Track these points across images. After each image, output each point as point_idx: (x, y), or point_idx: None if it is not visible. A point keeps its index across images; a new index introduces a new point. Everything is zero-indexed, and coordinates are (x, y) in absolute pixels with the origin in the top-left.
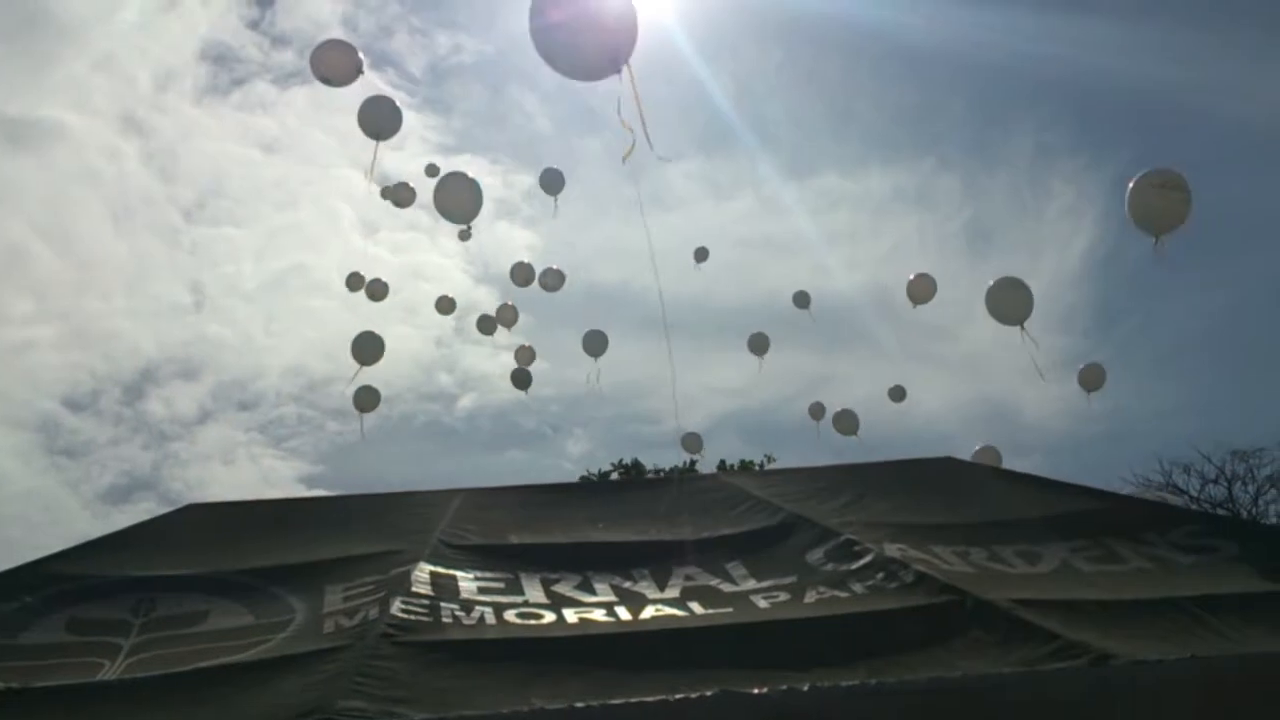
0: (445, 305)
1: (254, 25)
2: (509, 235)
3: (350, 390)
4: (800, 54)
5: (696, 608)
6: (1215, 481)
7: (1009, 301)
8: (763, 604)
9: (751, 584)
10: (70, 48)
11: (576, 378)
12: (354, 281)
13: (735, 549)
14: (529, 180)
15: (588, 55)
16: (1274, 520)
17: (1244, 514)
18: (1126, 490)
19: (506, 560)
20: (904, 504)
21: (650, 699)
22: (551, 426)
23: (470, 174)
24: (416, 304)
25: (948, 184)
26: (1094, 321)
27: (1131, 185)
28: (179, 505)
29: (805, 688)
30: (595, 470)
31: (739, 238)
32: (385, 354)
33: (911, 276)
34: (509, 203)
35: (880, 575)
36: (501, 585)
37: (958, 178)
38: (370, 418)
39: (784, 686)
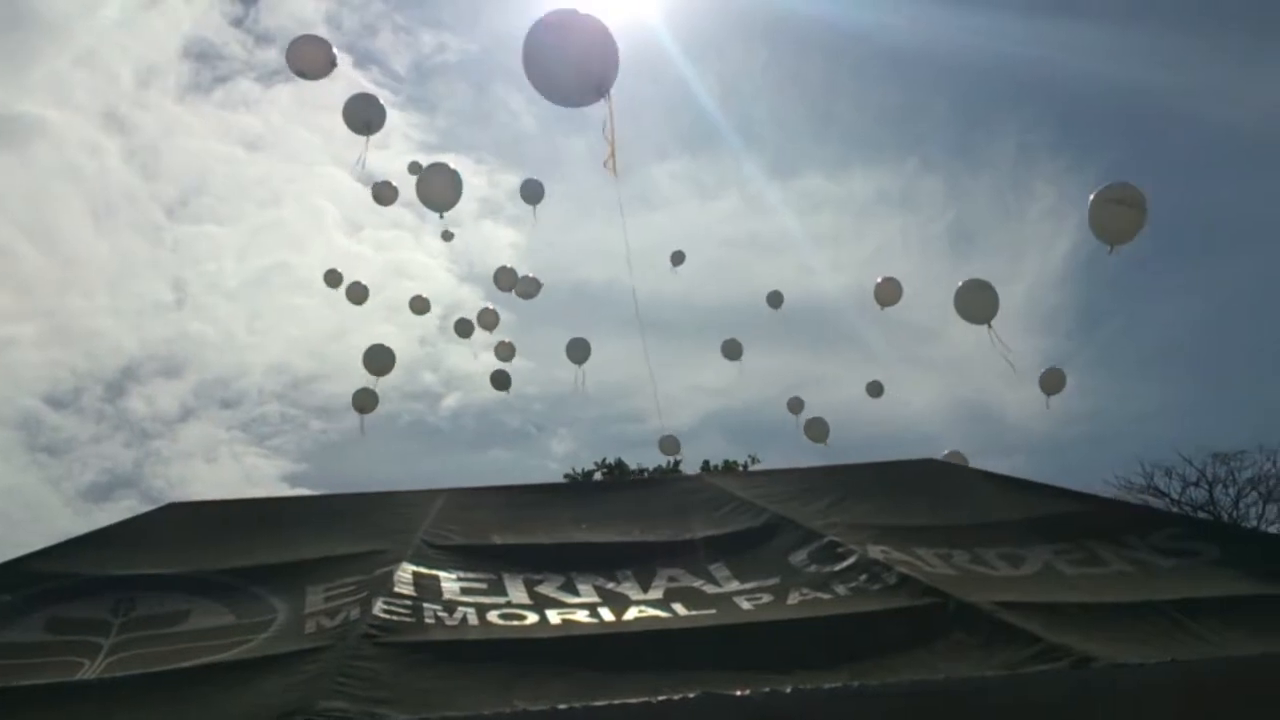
0: (420, 305)
1: (237, 23)
2: (494, 234)
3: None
4: (785, 55)
5: (680, 609)
6: (1196, 484)
7: (976, 302)
8: (746, 605)
9: (735, 585)
10: (52, 44)
11: (561, 377)
12: (332, 278)
13: (719, 550)
14: (514, 179)
15: (575, 86)
16: (1255, 523)
17: (1225, 517)
18: (1108, 493)
19: (490, 561)
20: (887, 506)
21: (633, 701)
22: (536, 426)
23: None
24: (400, 303)
25: (930, 186)
26: (1076, 323)
27: (1092, 197)
28: (161, 503)
29: (788, 690)
30: (579, 470)
31: (724, 238)
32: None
33: (879, 279)
34: (493, 202)
35: (863, 577)
36: (484, 586)
37: (940, 179)
38: (355, 417)
39: (767, 688)
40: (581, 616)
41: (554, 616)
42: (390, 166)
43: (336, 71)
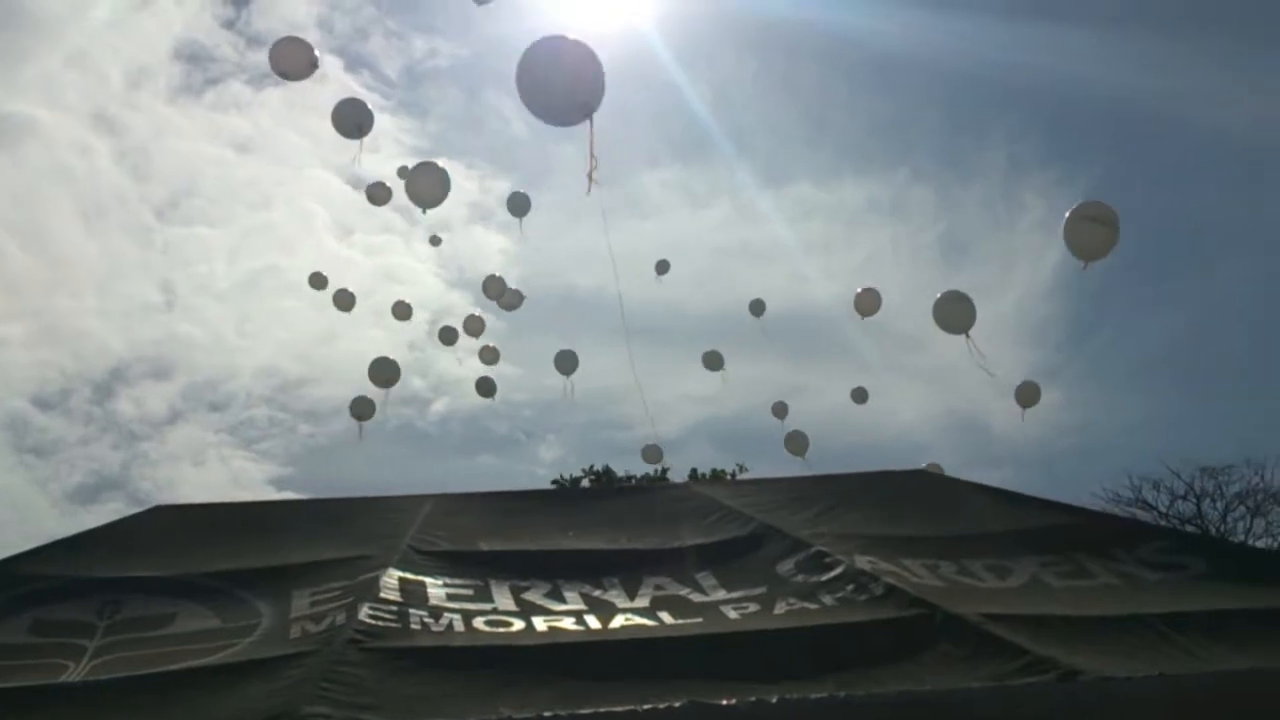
0: (402, 311)
1: (229, 25)
2: (484, 240)
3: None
4: (776, 62)
5: (666, 617)
6: (1184, 498)
7: (954, 313)
8: (732, 615)
9: (721, 594)
10: (43, 43)
11: (550, 384)
12: (317, 281)
13: (706, 559)
14: (504, 185)
15: (563, 108)
16: (1242, 537)
17: (1213, 530)
18: (1096, 505)
19: (476, 567)
20: (875, 516)
21: (619, 709)
22: (524, 432)
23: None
24: (389, 307)
25: (921, 195)
26: (1066, 335)
27: (1067, 215)
28: (148, 506)
29: (774, 699)
30: (567, 477)
31: (715, 246)
32: (357, 358)
33: (859, 290)
34: (484, 207)
35: (850, 587)
36: (471, 592)
37: (931, 189)
38: (344, 421)
39: (752, 698)
40: (568, 624)
41: (540, 624)
42: (381, 170)
43: (327, 75)
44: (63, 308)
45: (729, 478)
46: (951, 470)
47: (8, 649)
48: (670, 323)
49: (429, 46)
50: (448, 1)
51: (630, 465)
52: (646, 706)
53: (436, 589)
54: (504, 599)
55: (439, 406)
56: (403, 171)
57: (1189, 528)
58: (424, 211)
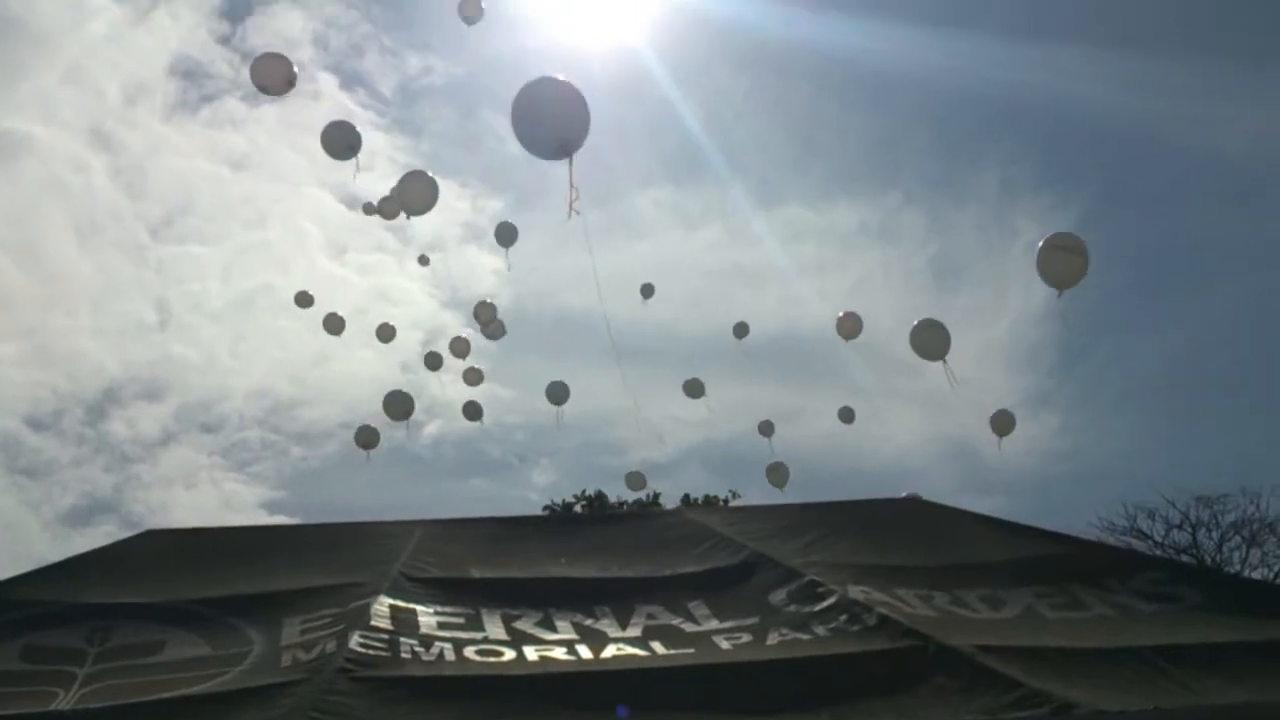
0: (385, 334)
1: (224, 41)
2: (477, 260)
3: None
4: (768, 82)
5: (658, 647)
6: (1179, 527)
7: (930, 340)
8: (725, 645)
9: (714, 624)
10: (40, 59)
11: (542, 407)
12: (303, 299)
13: (698, 588)
14: (498, 205)
15: (546, 143)
16: (1238, 567)
17: (1208, 560)
18: (1091, 534)
19: (467, 595)
20: (868, 545)
21: None
22: (517, 456)
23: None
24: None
25: (913, 218)
26: (1059, 360)
27: (1039, 245)
28: (140, 528)
29: None
30: (559, 501)
31: (707, 267)
32: (350, 380)
33: (840, 314)
34: (477, 227)
35: (843, 618)
36: (462, 621)
37: (923, 212)
38: (335, 443)
39: None
40: (559, 654)
41: (531, 653)
42: (375, 189)
43: (322, 92)
44: (57, 327)
45: (721, 504)
46: (944, 497)
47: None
48: (662, 344)
49: (424, 64)
50: (443, 20)
51: (623, 490)
52: None
53: (427, 617)
54: (495, 628)
55: (431, 429)
56: (369, 208)
57: (1184, 557)
58: (407, 217)
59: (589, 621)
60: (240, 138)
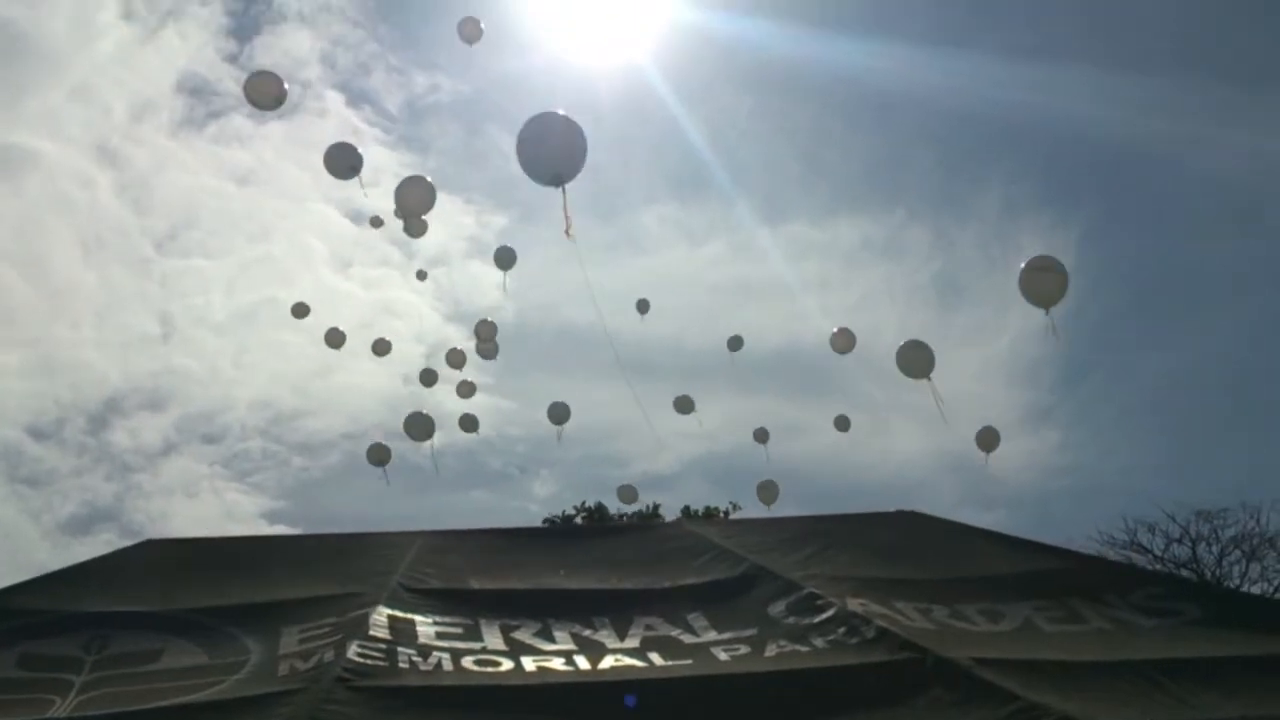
0: (381, 348)
1: (232, 59)
2: (481, 274)
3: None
4: (772, 99)
5: (656, 658)
6: (1180, 541)
7: (915, 360)
8: (723, 656)
9: (712, 635)
10: (48, 76)
11: (544, 419)
12: (300, 310)
13: (697, 599)
14: (503, 220)
15: (542, 173)
16: (1237, 581)
17: (1208, 574)
18: (1091, 548)
19: (466, 605)
20: (867, 558)
21: None
22: (518, 468)
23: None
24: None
25: (916, 235)
26: (1060, 376)
27: (1021, 268)
28: (140, 538)
29: None
30: (559, 513)
31: (711, 282)
32: (353, 391)
33: (834, 329)
34: (482, 241)
35: (842, 630)
36: (460, 631)
37: (926, 229)
38: (336, 454)
39: None
40: (557, 664)
41: (529, 664)
42: (381, 205)
43: (329, 109)
44: (60, 338)
45: (722, 516)
46: (945, 510)
47: None
48: (665, 358)
49: (430, 82)
50: (450, 39)
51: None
52: None
53: (426, 627)
54: (493, 638)
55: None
56: (377, 220)
57: (1184, 571)
58: (404, 221)
59: (587, 632)
60: (246, 153)
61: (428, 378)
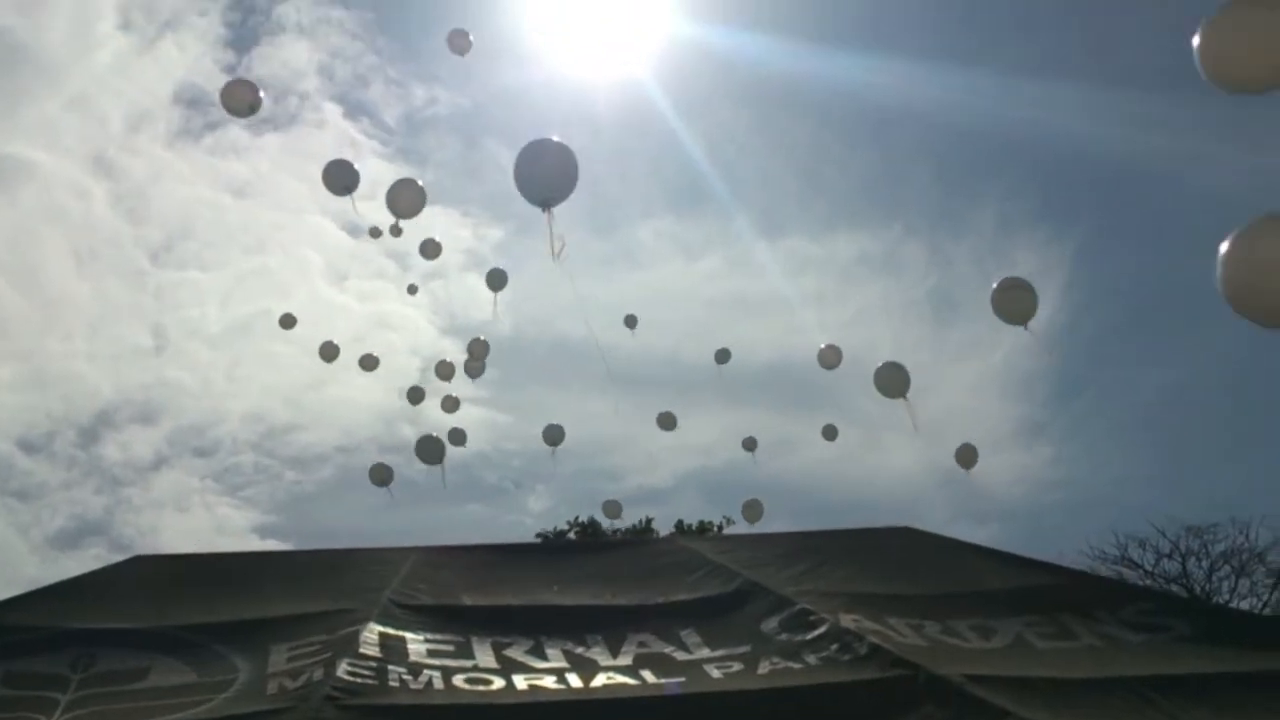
0: (369, 363)
1: (230, 70)
2: (478, 287)
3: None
4: (770, 114)
5: (649, 676)
6: (1170, 556)
7: (891, 380)
8: (715, 674)
9: (705, 652)
10: (45, 86)
11: (539, 432)
12: (287, 321)
13: (690, 616)
14: (499, 233)
15: (532, 196)
16: (1227, 596)
17: (1198, 589)
18: (1082, 563)
19: (458, 622)
20: (860, 573)
21: None
22: (514, 482)
23: (419, 182)
24: (380, 354)
25: (913, 250)
26: (1053, 391)
27: (993, 288)
28: (130, 551)
29: None
30: (552, 528)
31: (708, 297)
32: (346, 405)
33: (822, 346)
34: (478, 254)
35: (834, 647)
36: (452, 648)
37: (923, 244)
38: (329, 467)
39: None
40: (549, 682)
41: (521, 682)
42: (378, 217)
43: (327, 121)
44: (53, 350)
45: (715, 530)
46: (939, 525)
47: None
48: (661, 372)
49: (429, 95)
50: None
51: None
52: None
53: (417, 645)
54: (485, 655)
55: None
56: (374, 232)
57: (1174, 587)
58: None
59: (580, 650)
60: (243, 165)
61: (415, 395)
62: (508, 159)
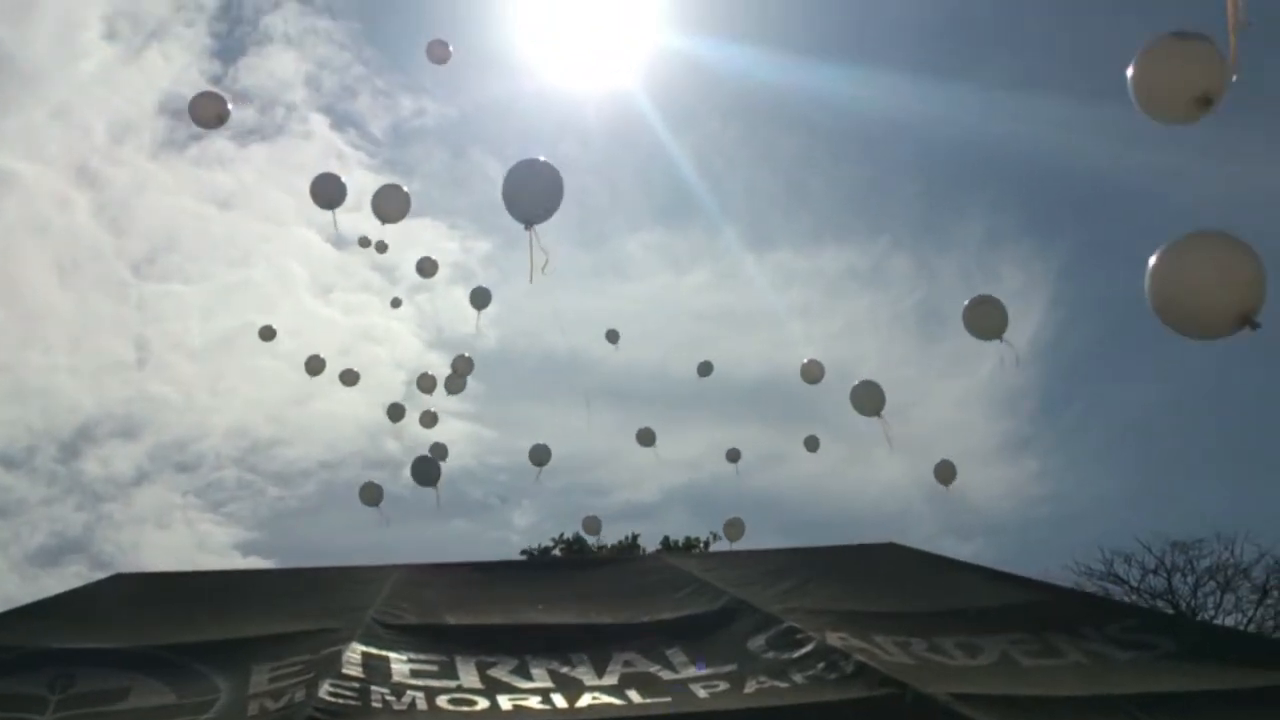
0: (349, 378)
1: (216, 81)
2: (464, 300)
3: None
4: (758, 128)
5: (634, 696)
6: (1155, 572)
7: (866, 399)
8: (702, 693)
9: (691, 672)
10: (29, 96)
11: (527, 447)
12: (266, 333)
13: (676, 634)
14: (486, 246)
15: (518, 214)
16: (1212, 612)
17: (1184, 605)
18: (1068, 578)
19: (442, 641)
20: (847, 591)
21: None
22: (499, 497)
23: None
24: (366, 367)
25: (900, 264)
26: (1040, 406)
27: (964, 306)
28: (110, 568)
29: None
30: (537, 545)
31: (696, 310)
32: (330, 419)
33: (805, 360)
34: (465, 267)
35: (821, 665)
36: (435, 668)
37: (910, 258)
38: (313, 483)
39: None
40: (534, 703)
41: (505, 702)
42: (365, 227)
43: (314, 132)
44: (33, 363)
45: (702, 546)
46: (925, 539)
47: None
48: (649, 385)
49: (416, 106)
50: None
51: (606, 532)
52: None
53: (400, 664)
54: (469, 676)
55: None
56: (363, 241)
57: (1160, 602)
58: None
59: (565, 669)
60: (228, 176)
61: (395, 413)
62: (496, 170)
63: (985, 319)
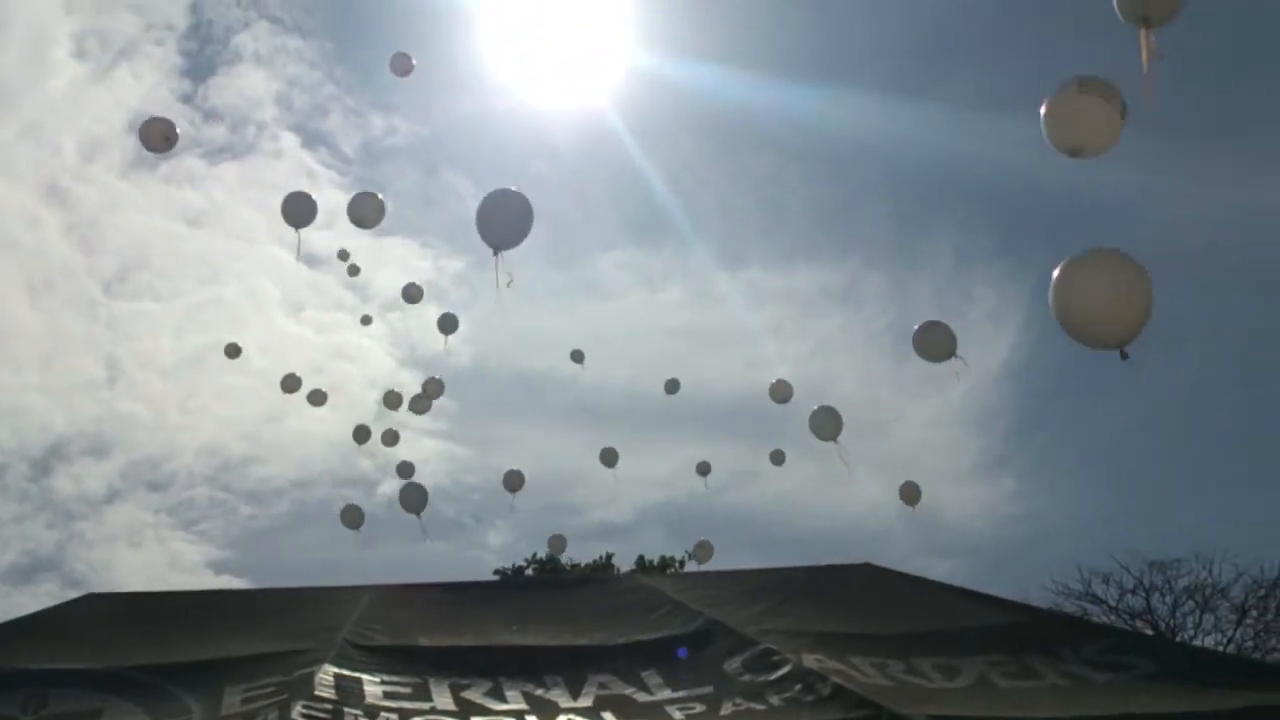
0: (317, 399)
1: (186, 99)
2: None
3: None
4: (730, 147)
5: (610, 718)
6: (1134, 592)
7: (824, 423)
8: (678, 715)
9: (667, 694)
10: None
11: (499, 465)
12: (232, 350)
13: (651, 656)
14: (459, 264)
15: (486, 239)
16: (1191, 632)
17: (1162, 625)
18: (1046, 598)
19: (415, 663)
20: (823, 612)
21: None
22: (473, 516)
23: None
24: (338, 385)
25: (873, 283)
26: (1015, 425)
27: (915, 330)
28: (82, 587)
29: None
30: (511, 565)
31: (669, 328)
32: (303, 437)
33: (774, 380)
34: (437, 286)
35: (798, 687)
36: (409, 690)
37: (883, 277)
38: (286, 502)
39: None
40: None
41: None
42: (336, 245)
43: (284, 150)
44: (3, 382)
45: (677, 565)
46: (902, 558)
47: None
48: (623, 403)
49: (387, 124)
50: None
51: (576, 552)
52: None
53: (373, 686)
54: (443, 698)
55: (385, 489)
56: (343, 254)
57: (1139, 622)
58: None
59: (539, 691)
60: (198, 195)
61: (360, 434)
62: (468, 189)
63: (934, 343)
